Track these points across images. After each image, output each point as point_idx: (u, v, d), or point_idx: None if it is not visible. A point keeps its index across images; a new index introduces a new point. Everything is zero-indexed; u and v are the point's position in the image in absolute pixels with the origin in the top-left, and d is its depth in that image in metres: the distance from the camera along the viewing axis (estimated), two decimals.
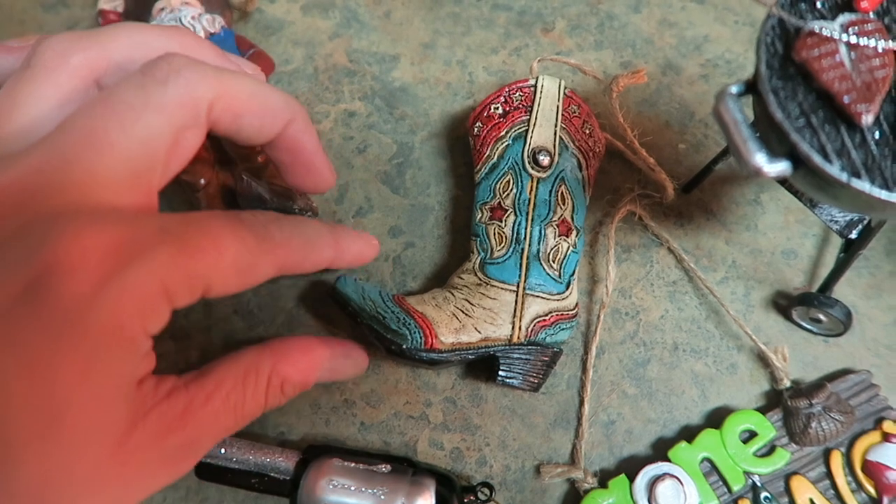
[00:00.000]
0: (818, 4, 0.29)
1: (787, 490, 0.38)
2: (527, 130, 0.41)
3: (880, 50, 0.27)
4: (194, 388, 0.27)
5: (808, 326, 0.42)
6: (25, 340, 0.22)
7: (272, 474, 0.39)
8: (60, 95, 0.27)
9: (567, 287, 0.39)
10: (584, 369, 0.42)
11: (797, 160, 0.27)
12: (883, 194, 0.26)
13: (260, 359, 0.31)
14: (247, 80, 0.29)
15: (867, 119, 0.26)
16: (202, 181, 0.42)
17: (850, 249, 0.37)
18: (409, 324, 0.37)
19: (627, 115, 0.49)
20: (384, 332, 0.36)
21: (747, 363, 0.43)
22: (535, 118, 0.41)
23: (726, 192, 0.47)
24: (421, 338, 0.36)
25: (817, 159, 0.27)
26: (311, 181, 0.34)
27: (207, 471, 0.39)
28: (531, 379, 0.39)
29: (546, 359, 0.39)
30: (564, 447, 0.41)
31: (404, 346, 0.36)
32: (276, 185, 0.41)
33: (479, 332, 0.38)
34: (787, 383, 0.41)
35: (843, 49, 0.27)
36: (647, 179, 0.46)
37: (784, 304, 0.43)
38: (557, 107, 0.41)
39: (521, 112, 0.41)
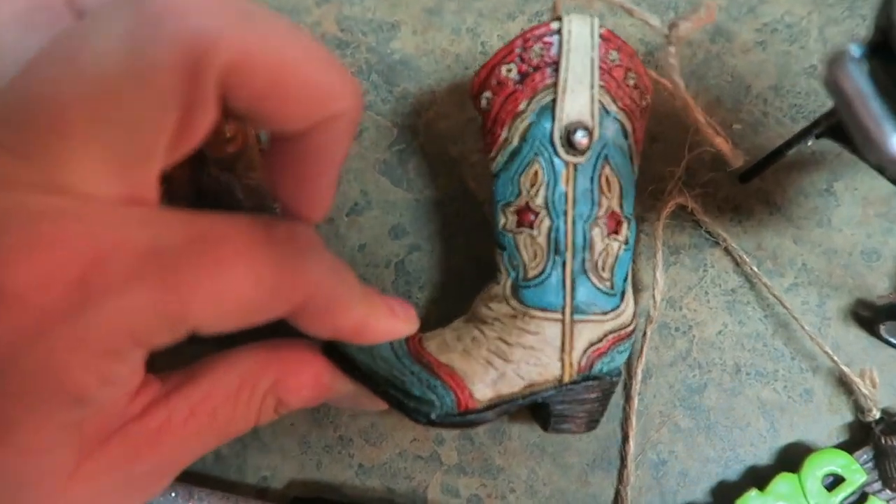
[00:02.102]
0: None
1: None
2: (555, 100, 0.31)
3: None
4: (176, 399, 0.24)
5: None
6: None
7: None
8: (15, 8, 0.21)
9: (622, 299, 0.31)
10: (628, 398, 0.35)
11: None
12: None
13: (261, 371, 0.26)
14: (290, 36, 0.20)
15: None
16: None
17: None
18: (436, 386, 0.29)
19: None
20: (405, 400, 0.29)
21: (825, 388, 0.35)
22: (565, 80, 0.31)
23: (792, 180, 0.39)
24: (452, 400, 0.28)
25: None
26: (302, 201, 0.24)
27: None
28: (588, 419, 0.31)
29: (603, 391, 0.31)
30: (606, 493, 0.34)
31: (433, 416, 0.28)
32: (251, 181, 0.34)
33: (523, 378, 0.30)
34: (876, 414, 0.34)
35: None
36: (698, 166, 0.39)
37: (868, 315, 0.36)
38: (593, 59, 0.31)
39: (543, 73, 0.31)
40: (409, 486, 0.34)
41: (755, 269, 0.37)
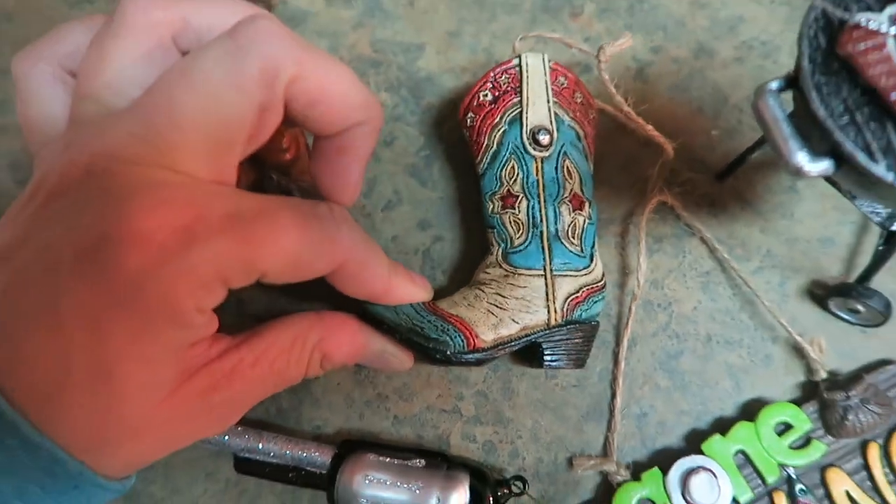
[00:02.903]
0: None
1: (823, 482, 0.38)
2: (521, 112, 0.40)
3: None
4: (245, 349, 0.29)
5: (846, 317, 0.42)
6: (88, 299, 0.24)
7: (308, 468, 0.40)
8: (142, 51, 0.27)
9: (591, 260, 0.39)
10: (616, 362, 0.42)
11: (840, 158, 0.27)
12: None
13: (309, 330, 0.32)
14: (333, 63, 0.28)
15: None
16: None
17: (892, 241, 0.36)
18: (448, 329, 0.37)
19: (659, 100, 0.48)
20: (426, 343, 0.36)
21: (782, 354, 0.42)
22: (527, 98, 0.40)
23: (761, 179, 0.46)
24: (462, 340, 0.36)
25: (862, 158, 0.26)
26: (337, 188, 0.32)
27: (246, 465, 0.40)
28: (576, 357, 0.39)
29: (585, 334, 0.39)
30: (597, 440, 0.41)
31: (448, 352, 0.36)
32: (304, 183, 0.41)
33: (518, 322, 0.37)
34: (823, 375, 0.40)
35: (891, 43, 0.26)
36: (679, 167, 0.45)
37: (821, 294, 0.42)
38: (546, 82, 0.41)
39: (511, 94, 0.41)
40: (436, 433, 0.42)
41: (726, 255, 0.43)
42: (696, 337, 0.43)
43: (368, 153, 0.32)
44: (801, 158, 0.27)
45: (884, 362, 0.41)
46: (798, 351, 0.42)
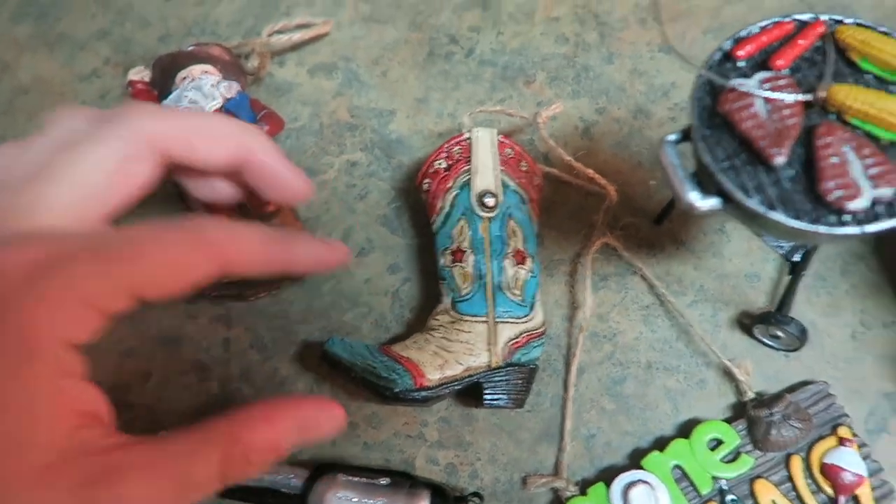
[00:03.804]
0: (739, 64, 0.34)
1: (752, 493, 0.42)
2: (470, 178, 0.46)
3: (790, 102, 0.32)
4: (141, 447, 0.25)
5: (769, 343, 0.46)
6: None
7: (284, 490, 0.43)
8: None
9: (531, 309, 0.44)
10: (566, 388, 0.46)
11: (725, 196, 0.32)
12: (794, 223, 0.30)
13: (217, 427, 0.27)
14: (194, 116, 0.32)
15: (779, 160, 0.31)
16: None
17: (795, 271, 0.41)
18: (398, 369, 0.41)
19: (603, 155, 0.54)
20: (377, 381, 0.41)
21: (715, 378, 0.47)
22: (476, 166, 0.46)
23: (694, 222, 0.51)
24: (410, 380, 0.41)
25: (739, 195, 0.31)
26: (284, 193, 0.34)
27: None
28: (515, 396, 0.43)
29: (524, 375, 0.43)
30: (549, 459, 0.45)
31: (396, 390, 0.41)
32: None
33: (462, 363, 0.42)
34: (751, 395, 0.45)
35: (759, 102, 0.32)
36: (621, 213, 0.51)
37: (747, 322, 0.47)
38: (493, 153, 0.47)
39: (462, 163, 0.47)
40: (402, 457, 0.46)
41: (664, 290, 0.48)
42: (637, 364, 0.47)
43: (276, 158, 0.32)
44: (693, 197, 0.33)
45: (805, 383, 0.45)
46: (728, 374, 0.46)
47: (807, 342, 0.45)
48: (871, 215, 0.30)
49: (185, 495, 0.25)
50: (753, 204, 0.31)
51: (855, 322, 0.47)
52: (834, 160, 0.30)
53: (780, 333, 0.45)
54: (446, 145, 0.48)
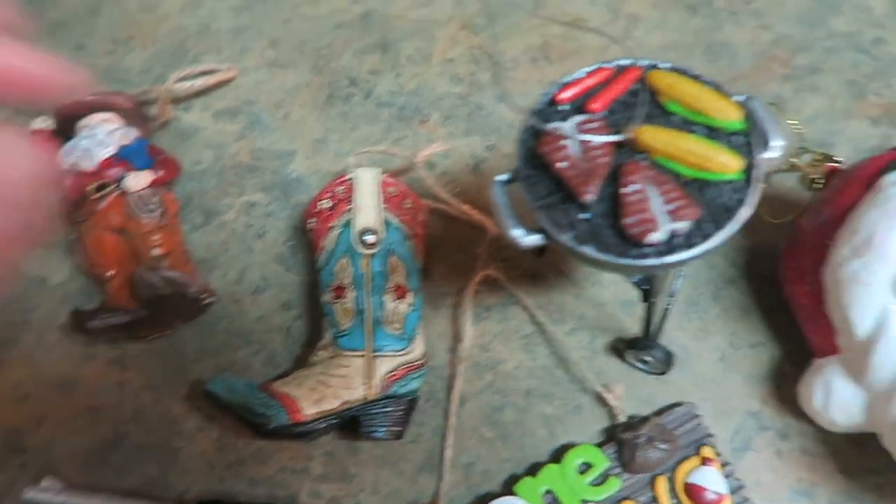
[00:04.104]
0: (562, 108, 0.37)
1: None
2: (352, 217, 0.48)
3: (600, 143, 0.34)
4: None
5: (641, 367, 0.48)
6: None
7: None
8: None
9: (411, 342, 0.46)
10: (447, 418, 0.48)
11: (545, 232, 0.34)
12: (602, 256, 0.32)
13: None
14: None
15: (589, 198, 0.33)
16: (108, 273, 0.49)
17: (647, 298, 0.43)
18: (274, 405, 0.43)
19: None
20: (255, 418, 0.42)
21: (591, 403, 0.48)
22: (358, 204, 0.48)
23: None
24: (286, 414, 0.42)
25: (554, 231, 0.33)
26: (44, 89, 0.26)
27: None
28: (392, 428, 0.45)
29: (403, 407, 0.45)
30: (429, 489, 0.46)
31: (271, 426, 0.42)
32: (169, 274, 0.48)
33: (339, 397, 0.43)
34: (623, 418, 0.46)
35: (573, 143, 0.34)
36: (503, 246, 0.53)
37: (621, 348, 0.49)
38: (376, 192, 0.49)
39: (345, 203, 0.49)
40: (287, 492, 0.46)
41: (544, 319, 0.50)
42: (517, 392, 0.49)
43: (21, 58, 0.26)
44: (517, 233, 0.34)
45: (674, 405, 0.47)
46: (602, 399, 0.48)
47: (673, 366, 0.47)
48: (670, 247, 0.32)
49: None
50: (565, 239, 0.33)
51: (724, 344, 0.49)
52: (636, 197, 0.32)
53: (647, 358, 0.47)
54: (330, 186, 0.50)
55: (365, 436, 0.44)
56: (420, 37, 0.65)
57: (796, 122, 0.50)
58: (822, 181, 0.46)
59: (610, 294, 0.52)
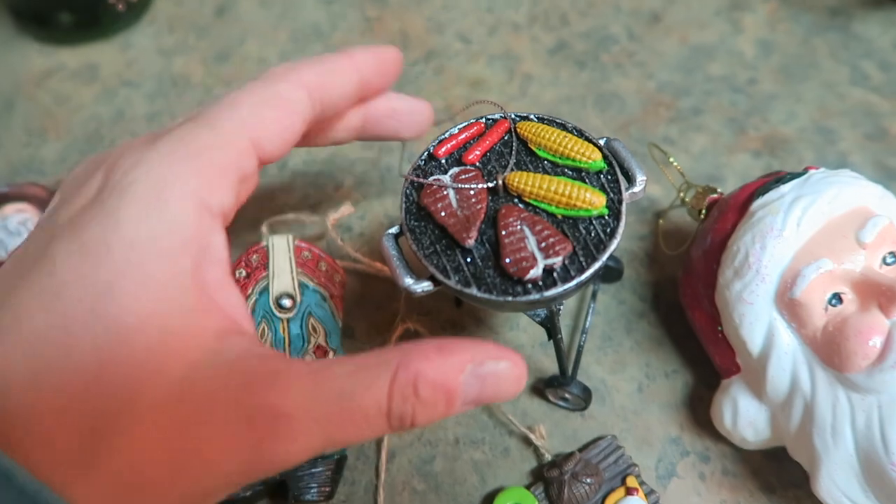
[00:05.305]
0: (441, 161, 0.39)
1: None
2: (268, 283, 0.49)
3: (474, 191, 0.36)
4: (298, 364, 0.23)
5: (562, 404, 0.49)
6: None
7: None
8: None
9: None
10: (378, 474, 0.48)
11: (434, 279, 0.36)
12: (486, 296, 0.34)
13: (386, 353, 0.25)
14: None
15: (470, 242, 0.35)
16: None
17: (550, 335, 0.44)
18: None
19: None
20: None
21: (518, 445, 0.49)
22: (273, 271, 0.49)
23: None
24: None
25: (441, 277, 0.35)
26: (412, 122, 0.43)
27: None
28: (322, 489, 0.44)
29: (331, 467, 0.45)
30: None
31: None
32: None
33: None
34: (549, 457, 0.47)
35: (451, 193, 0.36)
36: (424, 299, 0.54)
37: (541, 387, 0.50)
38: (290, 257, 0.50)
39: (260, 270, 0.50)
40: None
41: None
42: (446, 441, 0.49)
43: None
44: (408, 281, 0.36)
45: (598, 438, 0.48)
46: (528, 440, 0.48)
47: (592, 401, 0.48)
48: (550, 281, 0.34)
49: (350, 419, 0.22)
50: (452, 283, 0.34)
51: (640, 375, 0.51)
52: (513, 238, 0.34)
53: (566, 395, 0.48)
54: (245, 256, 0.51)
55: (294, 499, 0.44)
56: None
57: (675, 162, 0.54)
58: (706, 211, 0.49)
59: (527, 337, 0.53)
